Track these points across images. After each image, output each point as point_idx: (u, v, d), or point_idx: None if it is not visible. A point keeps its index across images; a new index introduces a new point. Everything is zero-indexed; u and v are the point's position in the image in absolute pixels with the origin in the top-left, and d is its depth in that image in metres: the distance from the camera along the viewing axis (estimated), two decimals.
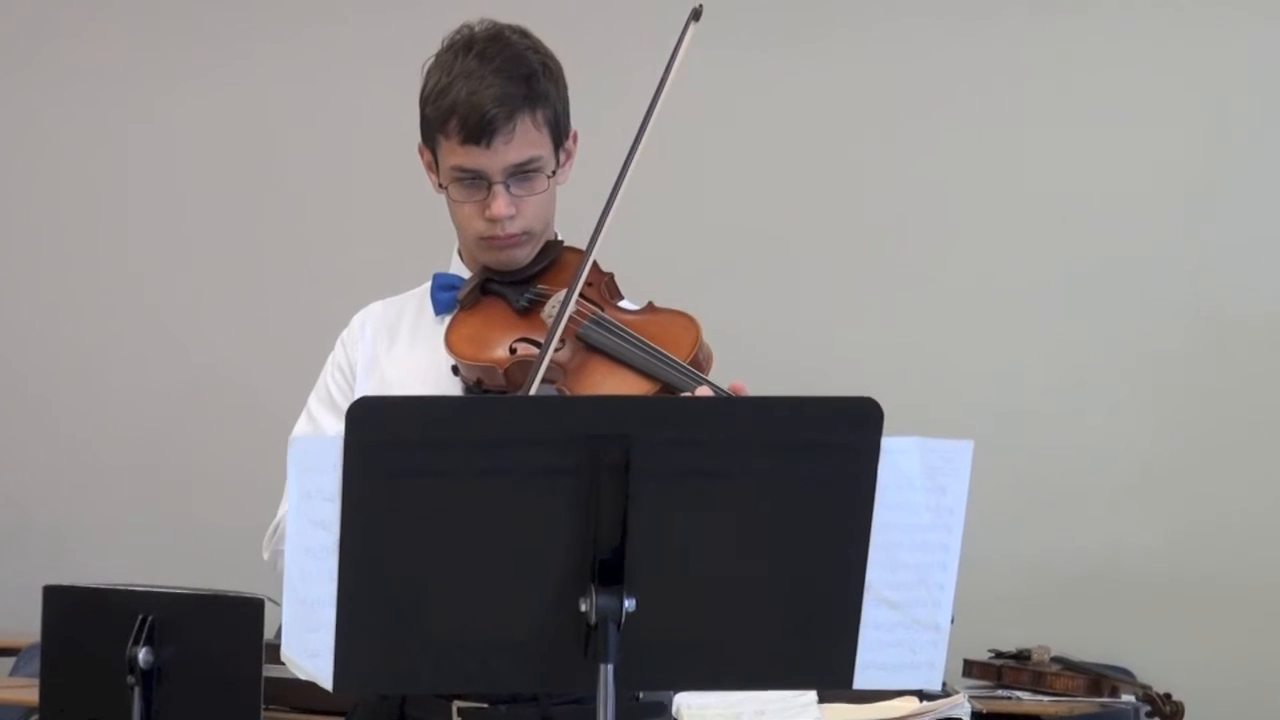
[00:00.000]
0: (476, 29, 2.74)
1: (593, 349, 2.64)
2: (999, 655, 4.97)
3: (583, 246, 2.66)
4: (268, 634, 3.17)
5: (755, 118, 5.58)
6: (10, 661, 5.38)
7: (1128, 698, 4.80)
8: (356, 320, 2.87)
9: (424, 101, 2.74)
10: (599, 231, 2.63)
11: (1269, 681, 5.11)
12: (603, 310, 2.69)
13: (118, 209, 6.14)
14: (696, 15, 2.65)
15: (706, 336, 2.65)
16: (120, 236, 6.12)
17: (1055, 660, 4.91)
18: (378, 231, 5.75)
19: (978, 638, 4.88)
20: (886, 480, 2.10)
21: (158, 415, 6.03)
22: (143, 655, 3.01)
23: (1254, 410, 5.23)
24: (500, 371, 2.65)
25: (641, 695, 2.68)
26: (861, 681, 2.15)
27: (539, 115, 2.70)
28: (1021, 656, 4.93)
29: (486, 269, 2.78)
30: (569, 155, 2.79)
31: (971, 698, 4.17)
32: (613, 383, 2.59)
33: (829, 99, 5.55)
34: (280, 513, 2.58)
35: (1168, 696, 4.82)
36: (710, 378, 2.58)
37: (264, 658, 3.05)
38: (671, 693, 2.83)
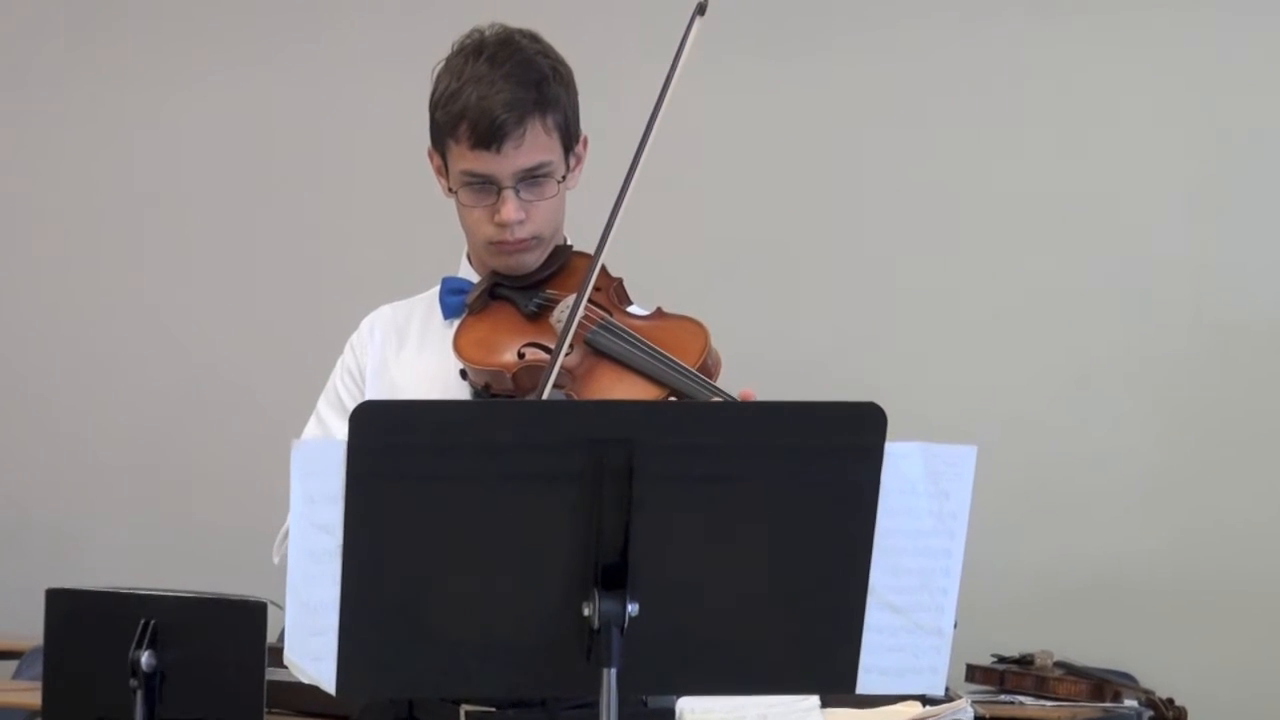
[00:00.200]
0: (487, 33, 2.74)
1: (601, 354, 2.64)
2: (1002, 660, 4.98)
3: (592, 251, 2.66)
4: (270, 637, 3.16)
5: (759, 124, 5.58)
6: (13, 665, 5.39)
7: (1130, 703, 4.80)
8: (365, 324, 2.88)
9: (434, 106, 2.74)
10: (607, 236, 2.63)
11: (1271, 687, 5.11)
12: (611, 315, 2.69)
13: (122, 211, 6.14)
14: (702, 9, 2.64)
15: (715, 342, 2.65)
16: (125, 238, 6.13)
17: (1058, 665, 4.91)
18: (386, 235, 5.75)
19: (981, 642, 4.89)
20: (890, 485, 2.10)
21: (161, 417, 6.04)
22: (145, 658, 3.00)
23: (1257, 416, 5.23)
24: (508, 376, 2.65)
25: (649, 701, 2.68)
26: (864, 686, 2.15)
27: (549, 120, 2.71)
28: (1024, 661, 4.94)
29: (495, 273, 2.78)
30: (579, 160, 2.79)
31: (974, 703, 4.15)
32: (621, 388, 2.59)
33: (833, 106, 5.55)
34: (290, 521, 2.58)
35: (1170, 702, 4.82)
36: (719, 384, 2.58)
37: (267, 661, 3.05)
38: (675, 697, 2.83)
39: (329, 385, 2.86)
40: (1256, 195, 5.28)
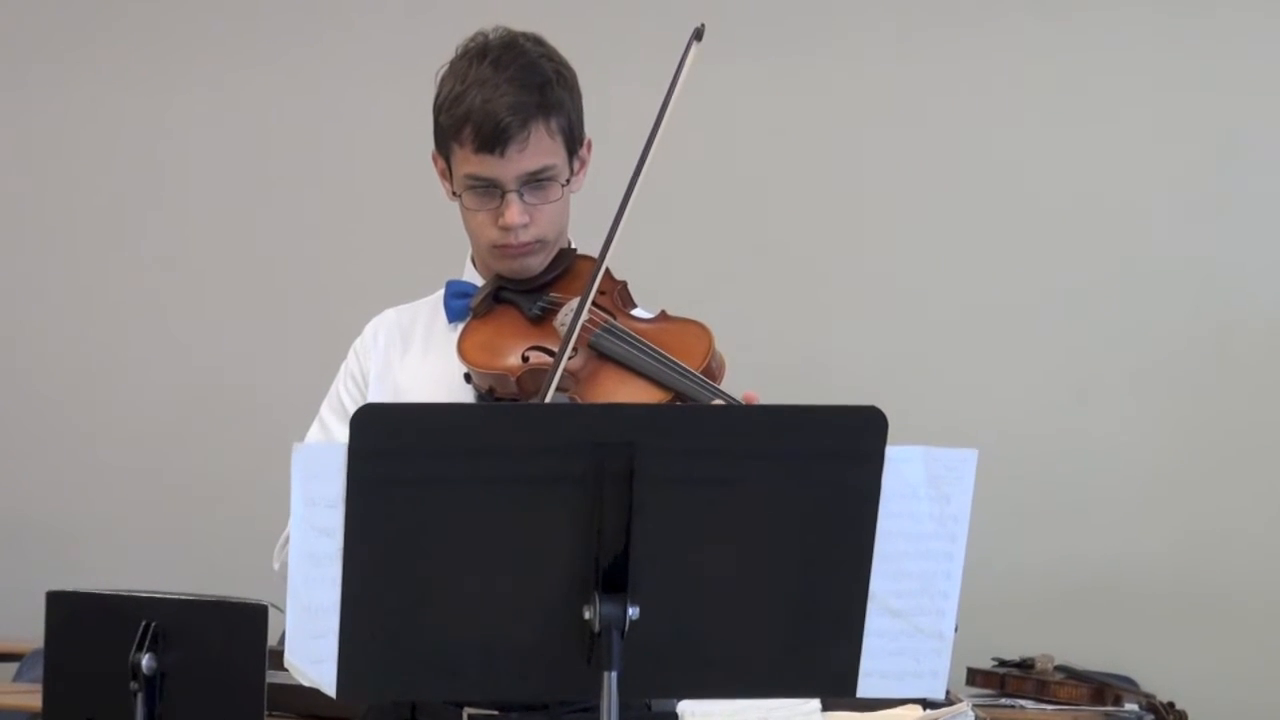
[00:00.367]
0: (491, 37, 2.74)
1: (605, 357, 2.64)
2: (1003, 664, 4.97)
3: (596, 255, 2.66)
4: (271, 640, 3.16)
5: (762, 127, 5.58)
6: (13, 667, 5.39)
7: (1131, 707, 4.80)
8: (370, 328, 2.88)
9: (438, 109, 2.74)
10: (610, 240, 2.63)
11: (1272, 691, 5.11)
12: (615, 319, 2.69)
13: (123, 213, 6.14)
14: (699, 35, 2.64)
15: (719, 345, 2.66)
16: (129, 242, 6.13)
17: (1059, 669, 4.91)
18: (390, 238, 5.75)
19: (981, 646, 4.89)
20: (891, 489, 2.10)
21: (162, 419, 6.04)
22: (146, 661, 3.00)
23: (1259, 419, 5.23)
24: (512, 379, 2.65)
25: (652, 705, 2.69)
26: (865, 690, 2.15)
27: (553, 123, 2.71)
28: (1025, 665, 4.93)
29: (500, 277, 2.78)
30: (583, 164, 2.79)
31: (975, 706, 4.15)
32: (624, 391, 2.59)
33: (834, 109, 5.55)
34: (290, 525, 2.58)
35: (1171, 705, 4.81)
36: (723, 386, 2.58)
37: (268, 664, 3.05)
38: (676, 700, 2.83)
39: (332, 390, 2.87)
40: (1258, 199, 5.28)
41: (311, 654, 2.05)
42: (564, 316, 2.69)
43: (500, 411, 2.40)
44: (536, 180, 2.71)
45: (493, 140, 2.67)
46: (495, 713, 2.60)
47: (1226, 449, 5.23)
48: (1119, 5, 5.38)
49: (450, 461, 2.03)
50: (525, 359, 2.68)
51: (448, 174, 2.78)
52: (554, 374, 2.56)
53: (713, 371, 2.63)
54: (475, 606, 2.08)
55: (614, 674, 2.05)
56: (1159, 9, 5.36)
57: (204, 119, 6.07)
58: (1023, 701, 4.81)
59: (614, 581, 2.05)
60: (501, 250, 2.74)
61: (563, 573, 2.06)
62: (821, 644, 2.14)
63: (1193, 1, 5.34)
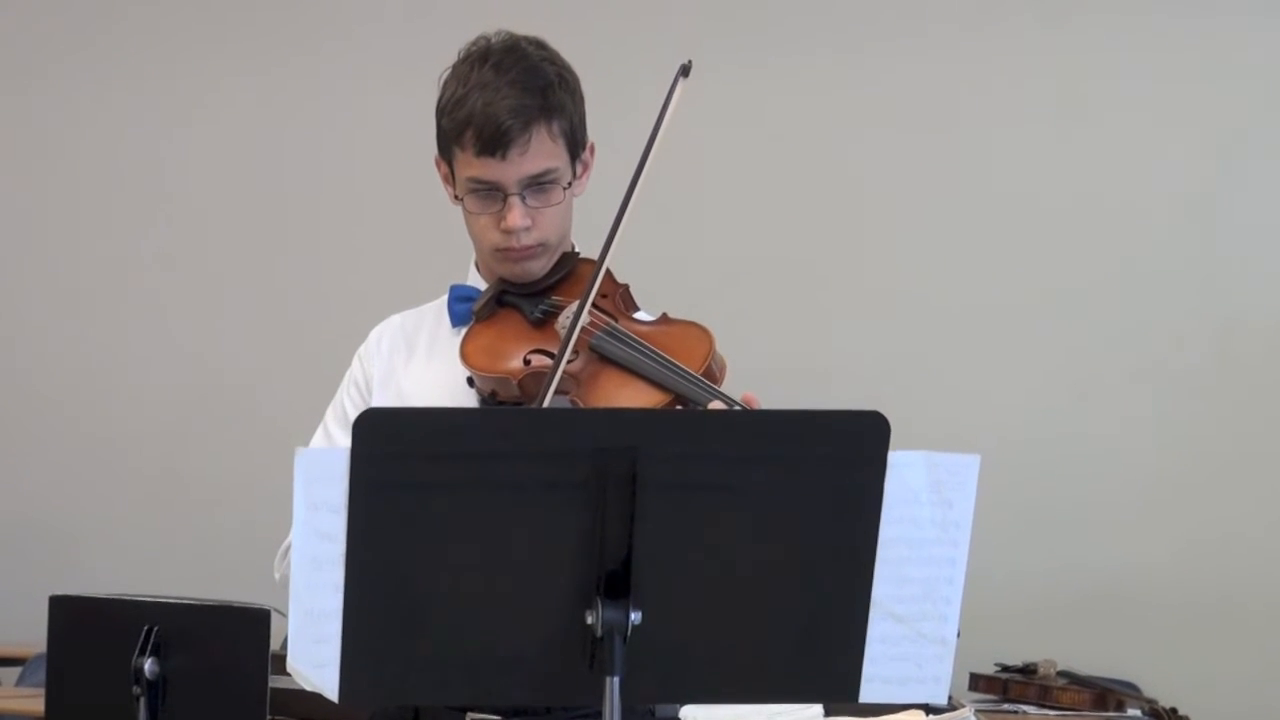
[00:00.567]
0: (493, 40, 2.74)
1: (606, 360, 2.64)
2: (1005, 669, 4.97)
3: (597, 258, 2.66)
4: (274, 645, 3.16)
5: (763, 130, 5.58)
6: (16, 671, 5.39)
7: (1134, 712, 4.80)
8: (374, 335, 2.88)
9: (440, 113, 2.74)
10: (610, 243, 2.63)
11: (1274, 696, 5.11)
12: (616, 321, 2.69)
13: (125, 216, 6.14)
14: (685, 71, 2.62)
15: (720, 347, 2.65)
16: (128, 244, 6.12)
17: (1061, 674, 4.90)
18: (394, 242, 5.75)
19: (984, 651, 4.88)
20: (893, 494, 2.09)
21: (165, 423, 6.03)
22: (148, 666, 3.00)
23: (1261, 425, 5.23)
24: (515, 383, 2.65)
25: (656, 710, 2.68)
26: (867, 695, 2.15)
27: (555, 127, 2.71)
28: (1027, 670, 4.93)
29: (503, 280, 2.78)
30: (585, 167, 2.79)
31: (978, 711, 4.16)
32: (625, 394, 2.59)
33: (835, 112, 5.55)
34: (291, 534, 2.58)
35: (1173, 711, 4.81)
36: (723, 389, 2.58)
37: (270, 669, 3.05)
38: (678, 705, 2.83)
39: (336, 399, 2.87)
40: (1261, 201, 5.28)
41: (314, 659, 2.05)
42: (565, 319, 2.69)
43: (502, 415, 2.39)
44: (538, 183, 2.71)
45: (494, 143, 2.67)
46: (498, 718, 2.59)
47: (1228, 452, 5.23)
48: (1119, 6, 5.38)
49: (452, 466, 2.03)
50: (527, 362, 2.68)
51: (450, 178, 2.78)
52: (553, 376, 2.56)
53: (713, 374, 2.63)
54: (477, 611, 2.08)
55: (616, 679, 2.04)
56: (1159, 10, 5.36)
57: (206, 121, 6.07)
58: (1025, 707, 4.80)
59: (616, 586, 2.05)
60: (504, 254, 2.74)
61: (565, 577, 2.06)
62: (824, 649, 2.13)
63: (1193, 2, 5.34)
